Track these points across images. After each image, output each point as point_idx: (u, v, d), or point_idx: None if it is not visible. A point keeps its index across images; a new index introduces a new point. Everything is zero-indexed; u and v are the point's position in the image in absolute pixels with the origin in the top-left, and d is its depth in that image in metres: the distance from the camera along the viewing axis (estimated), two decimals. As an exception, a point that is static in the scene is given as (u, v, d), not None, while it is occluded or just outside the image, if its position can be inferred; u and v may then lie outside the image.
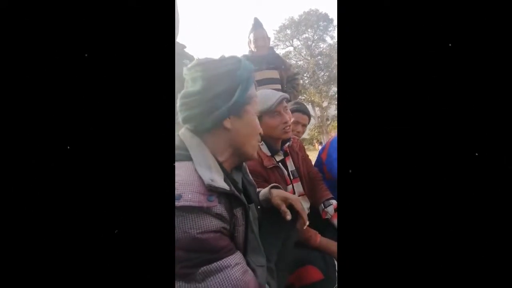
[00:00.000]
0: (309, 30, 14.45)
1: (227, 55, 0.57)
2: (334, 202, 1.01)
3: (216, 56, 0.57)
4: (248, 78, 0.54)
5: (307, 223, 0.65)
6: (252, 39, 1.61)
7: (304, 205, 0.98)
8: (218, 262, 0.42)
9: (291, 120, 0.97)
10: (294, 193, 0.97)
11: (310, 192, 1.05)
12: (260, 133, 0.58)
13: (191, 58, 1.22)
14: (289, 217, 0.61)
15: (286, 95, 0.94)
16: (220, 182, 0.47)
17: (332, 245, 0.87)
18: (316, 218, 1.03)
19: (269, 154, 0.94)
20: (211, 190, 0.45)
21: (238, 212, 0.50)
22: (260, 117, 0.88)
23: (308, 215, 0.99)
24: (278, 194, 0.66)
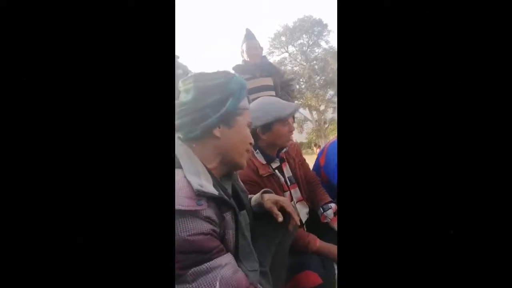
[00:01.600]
0: (303, 36, 14.64)
1: (220, 65, 0.61)
2: (333, 205, 1.01)
3: (210, 68, 0.60)
4: (240, 90, 0.57)
5: (298, 223, 0.67)
6: (244, 49, 1.64)
7: (302, 210, 0.99)
8: (208, 263, 0.43)
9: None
10: (291, 199, 0.97)
11: (309, 197, 1.05)
12: (250, 143, 0.60)
13: (184, 68, 1.24)
14: (280, 219, 0.63)
15: (299, 106, 1.00)
16: (208, 187, 0.49)
17: (332, 248, 0.87)
18: (315, 222, 1.03)
19: (264, 162, 0.94)
20: (200, 195, 0.47)
21: (228, 216, 0.51)
22: (271, 124, 0.90)
23: (307, 219, 1.00)
24: (269, 198, 0.68)
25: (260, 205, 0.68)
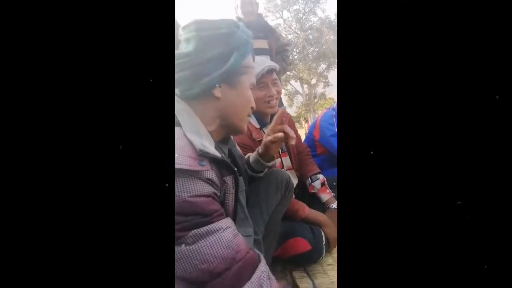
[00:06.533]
0: (299, 1, 13.73)
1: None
2: (321, 176, 1.02)
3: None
4: (246, 43, 0.51)
5: (294, 137, 0.63)
6: (239, 3, 1.48)
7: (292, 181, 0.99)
8: (209, 226, 0.41)
9: (279, 93, 0.93)
10: (282, 166, 0.97)
11: (298, 167, 1.05)
12: (252, 107, 0.55)
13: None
14: (280, 134, 0.59)
15: (273, 66, 0.89)
16: (211, 148, 0.46)
17: (319, 215, 0.89)
18: (304, 192, 1.04)
19: (258, 126, 0.92)
20: (202, 155, 0.43)
21: (229, 180, 0.49)
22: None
23: (296, 189, 1.00)
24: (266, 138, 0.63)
25: (258, 161, 0.65)
